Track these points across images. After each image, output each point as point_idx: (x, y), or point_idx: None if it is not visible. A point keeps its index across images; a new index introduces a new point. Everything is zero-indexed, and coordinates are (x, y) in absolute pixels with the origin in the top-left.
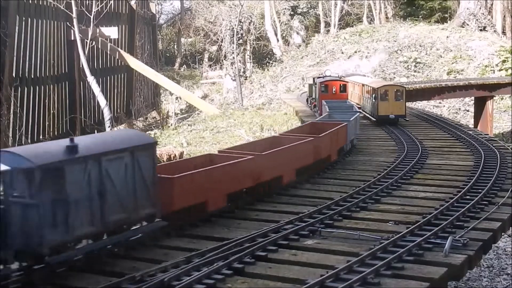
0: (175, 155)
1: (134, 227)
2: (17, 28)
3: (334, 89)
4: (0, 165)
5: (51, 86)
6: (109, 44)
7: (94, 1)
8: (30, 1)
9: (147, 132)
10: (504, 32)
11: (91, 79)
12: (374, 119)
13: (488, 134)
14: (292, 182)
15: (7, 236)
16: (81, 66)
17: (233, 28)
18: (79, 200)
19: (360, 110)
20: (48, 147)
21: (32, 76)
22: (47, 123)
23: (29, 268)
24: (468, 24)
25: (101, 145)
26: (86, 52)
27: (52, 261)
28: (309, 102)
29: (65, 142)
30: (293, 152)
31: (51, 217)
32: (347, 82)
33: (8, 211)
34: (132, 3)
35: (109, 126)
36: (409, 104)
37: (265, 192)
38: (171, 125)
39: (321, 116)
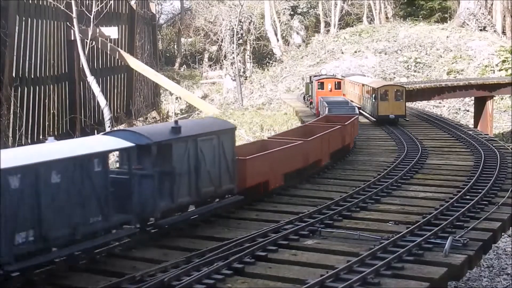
0: None
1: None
2: (17, 28)
3: (329, 86)
4: (121, 142)
5: (51, 86)
6: (109, 44)
7: (94, 1)
8: (30, 1)
9: None
10: (504, 32)
11: (91, 79)
12: (374, 119)
13: (488, 134)
14: (327, 164)
15: (131, 201)
16: (81, 66)
17: (233, 28)
18: (182, 173)
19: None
20: (158, 127)
21: (32, 76)
22: (47, 123)
23: (140, 229)
24: (468, 24)
25: (196, 127)
26: (86, 52)
27: (163, 224)
28: (305, 99)
29: (170, 124)
30: (328, 138)
31: (162, 187)
32: (342, 79)
33: (131, 180)
34: (132, 3)
35: (109, 126)
36: (409, 104)
37: (309, 174)
38: None
39: (327, 111)
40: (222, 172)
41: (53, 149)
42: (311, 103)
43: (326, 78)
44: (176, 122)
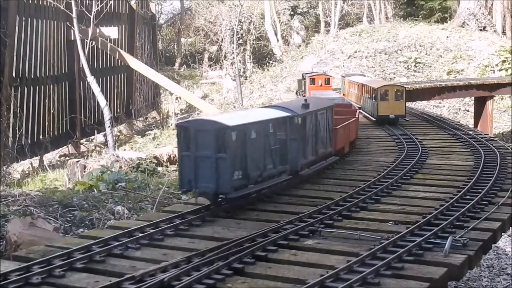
0: (175, 155)
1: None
2: (17, 28)
3: (320, 82)
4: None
5: (51, 86)
6: (109, 44)
7: (94, 1)
8: (30, 1)
9: (147, 132)
10: (504, 32)
11: (91, 79)
12: (374, 119)
13: (488, 134)
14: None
15: (287, 158)
16: (81, 66)
17: (233, 28)
18: (308, 137)
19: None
20: (295, 104)
21: (32, 76)
22: (47, 123)
23: (288, 178)
24: (468, 24)
25: (316, 104)
26: (86, 52)
27: (303, 173)
28: (297, 93)
29: (301, 101)
30: (357, 119)
31: (300, 148)
32: (330, 76)
33: (287, 143)
34: (132, 3)
35: (109, 126)
36: (409, 104)
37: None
38: (171, 125)
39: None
40: (327, 138)
41: (249, 115)
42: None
43: (317, 75)
44: (305, 100)
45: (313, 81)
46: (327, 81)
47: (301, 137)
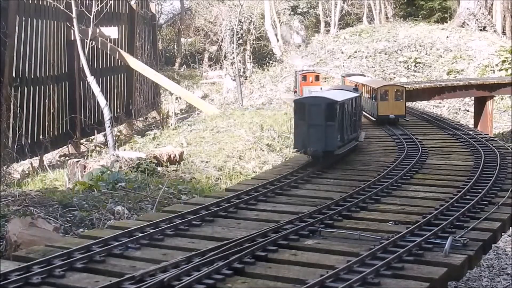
0: (175, 155)
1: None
2: (17, 28)
3: (311, 79)
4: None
5: (51, 86)
6: (109, 44)
7: (94, 1)
8: (30, 1)
9: (147, 132)
10: (504, 32)
11: (91, 79)
12: (374, 119)
13: (488, 134)
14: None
15: (355, 127)
16: (81, 66)
17: (233, 28)
18: (358, 114)
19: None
20: (349, 88)
21: (32, 76)
22: (47, 123)
23: (356, 143)
24: (468, 24)
25: (357, 91)
26: (86, 52)
27: (360, 139)
28: (292, 89)
29: (352, 87)
30: None
31: (353, 122)
32: (320, 73)
33: (356, 116)
34: (132, 3)
35: (109, 126)
36: (409, 104)
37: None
38: (171, 125)
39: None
40: (361, 116)
41: (340, 94)
42: (295, 92)
43: (308, 72)
44: (356, 85)
45: (304, 78)
46: (317, 78)
47: (358, 112)
